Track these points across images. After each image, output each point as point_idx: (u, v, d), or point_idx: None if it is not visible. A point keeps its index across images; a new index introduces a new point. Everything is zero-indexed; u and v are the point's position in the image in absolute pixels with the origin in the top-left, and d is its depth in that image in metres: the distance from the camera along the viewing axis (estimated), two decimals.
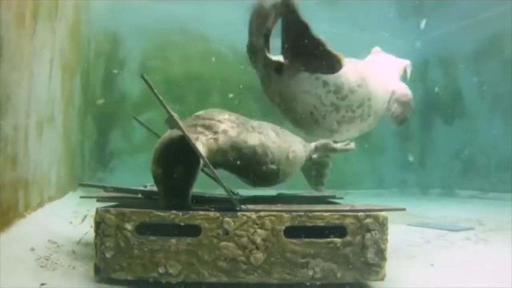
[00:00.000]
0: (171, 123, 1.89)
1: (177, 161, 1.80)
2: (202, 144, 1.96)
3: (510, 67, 6.53)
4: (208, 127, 2.08)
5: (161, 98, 1.69)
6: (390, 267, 1.84)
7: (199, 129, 2.04)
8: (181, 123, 1.82)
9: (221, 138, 2.07)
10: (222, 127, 2.09)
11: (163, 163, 1.80)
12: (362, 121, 2.35)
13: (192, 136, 1.88)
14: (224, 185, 1.82)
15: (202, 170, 1.95)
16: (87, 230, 2.61)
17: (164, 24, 6.65)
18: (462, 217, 4.35)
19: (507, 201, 5.89)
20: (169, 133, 1.91)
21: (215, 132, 2.06)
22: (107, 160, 6.45)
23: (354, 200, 2.47)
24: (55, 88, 3.23)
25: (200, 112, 2.20)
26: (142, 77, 1.69)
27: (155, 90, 1.69)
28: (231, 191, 1.87)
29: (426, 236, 3.18)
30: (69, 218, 3.10)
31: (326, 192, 3.03)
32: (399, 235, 3.10)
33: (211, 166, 1.81)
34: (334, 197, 2.58)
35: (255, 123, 2.30)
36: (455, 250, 2.75)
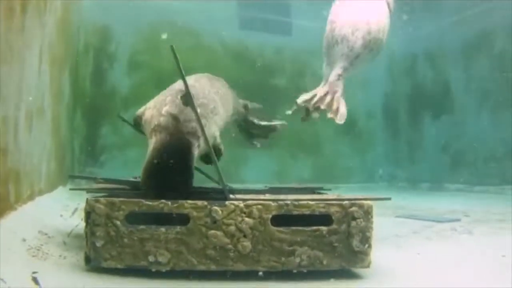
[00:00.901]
0: (186, 100, 1.90)
1: (170, 173, 1.80)
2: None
3: (498, 62, 6.60)
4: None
5: (183, 72, 1.75)
6: (377, 256, 1.89)
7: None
8: (195, 103, 1.85)
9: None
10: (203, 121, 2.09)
11: (157, 176, 1.81)
12: None
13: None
14: (221, 176, 1.85)
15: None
16: (77, 223, 2.63)
17: (154, 18, 6.65)
18: (449, 209, 4.42)
19: (492, 194, 5.99)
20: (159, 144, 1.88)
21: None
22: (97, 155, 6.44)
23: (343, 193, 2.51)
24: (44, 82, 3.23)
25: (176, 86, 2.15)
26: (171, 48, 1.77)
27: (180, 64, 1.76)
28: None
29: (413, 227, 3.24)
30: (59, 211, 3.12)
31: (314, 185, 3.07)
32: (387, 226, 3.16)
33: (215, 157, 1.84)
34: (321, 188, 2.62)
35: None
36: (441, 240, 2.81)
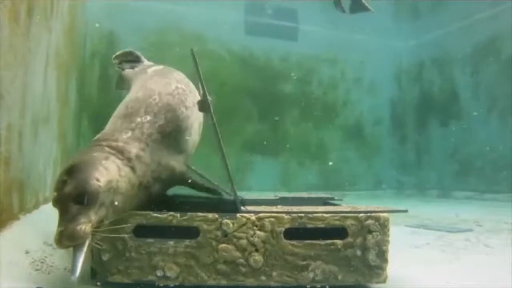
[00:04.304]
0: (203, 107, 1.85)
1: None
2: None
3: (506, 68, 6.52)
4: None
5: (202, 78, 1.70)
6: (392, 268, 1.82)
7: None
8: (212, 109, 1.81)
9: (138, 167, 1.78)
10: (134, 152, 1.79)
11: None
12: None
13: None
14: (234, 186, 1.79)
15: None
16: None
17: (160, 24, 6.61)
18: (460, 218, 4.34)
19: (503, 202, 5.89)
20: None
21: (129, 159, 1.76)
22: None
23: (352, 202, 2.44)
24: (50, 88, 3.18)
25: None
26: (192, 51, 1.74)
27: (199, 69, 1.77)
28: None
29: (426, 238, 3.16)
30: None
31: (322, 192, 3.01)
32: (399, 237, 3.08)
33: (228, 162, 1.78)
34: (333, 198, 2.55)
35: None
36: (456, 251, 2.73)
